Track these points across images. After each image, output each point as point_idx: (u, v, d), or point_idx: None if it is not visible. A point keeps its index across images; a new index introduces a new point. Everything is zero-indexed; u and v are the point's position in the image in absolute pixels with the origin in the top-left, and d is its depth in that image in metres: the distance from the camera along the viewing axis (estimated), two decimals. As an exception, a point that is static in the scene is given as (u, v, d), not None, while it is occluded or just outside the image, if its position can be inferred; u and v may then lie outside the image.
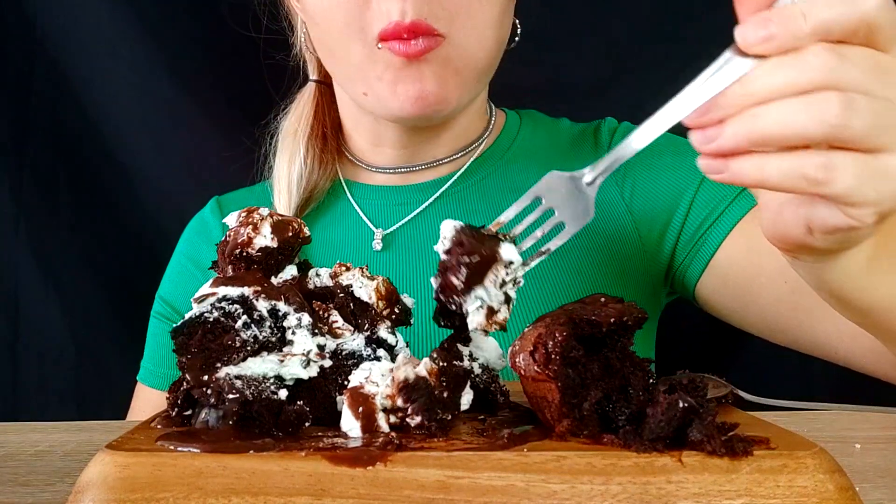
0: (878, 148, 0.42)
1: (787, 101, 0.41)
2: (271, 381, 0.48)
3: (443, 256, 0.48)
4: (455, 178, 0.93)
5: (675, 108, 0.43)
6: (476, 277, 0.47)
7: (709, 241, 0.82)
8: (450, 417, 0.46)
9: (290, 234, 0.53)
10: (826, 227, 0.46)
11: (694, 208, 0.84)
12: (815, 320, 0.75)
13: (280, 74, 1.02)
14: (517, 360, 0.46)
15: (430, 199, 0.92)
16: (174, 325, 0.47)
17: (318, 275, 0.55)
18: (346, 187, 0.96)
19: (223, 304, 0.48)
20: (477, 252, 0.47)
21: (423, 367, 0.47)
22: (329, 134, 0.96)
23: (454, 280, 0.47)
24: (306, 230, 0.54)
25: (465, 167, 0.93)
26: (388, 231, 0.91)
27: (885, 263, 0.53)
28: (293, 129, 0.95)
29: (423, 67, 0.77)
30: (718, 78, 0.42)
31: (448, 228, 0.48)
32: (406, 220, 0.92)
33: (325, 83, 0.98)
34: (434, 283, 0.50)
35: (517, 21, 0.89)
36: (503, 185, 0.93)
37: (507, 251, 0.47)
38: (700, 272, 0.83)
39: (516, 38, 0.88)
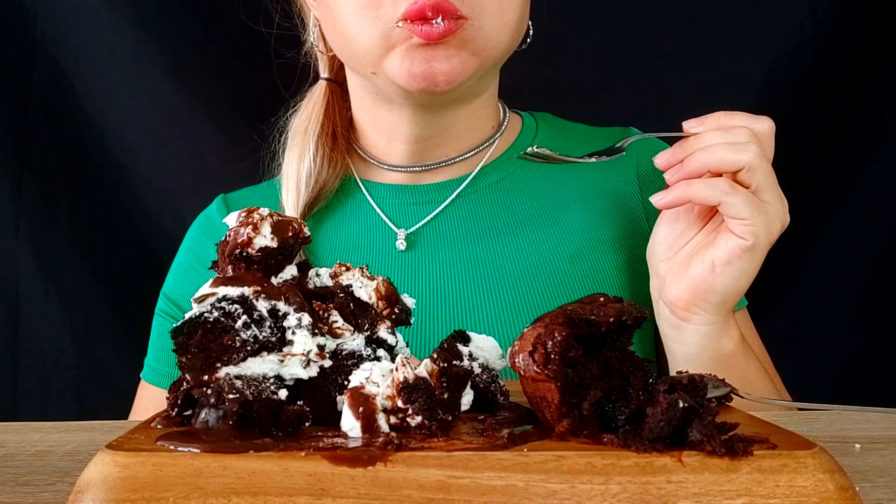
0: (760, 189, 0.67)
1: (718, 146, 0.67)
2: (271, 381, 0.48)
3: None
4: (471, 177, 0.92)
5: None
6: None
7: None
8: (450, 418, 0.46)
9: (290, 234, 0.53)
10: (725, 254, 0.68)
11: None
12: None
13: (289, 72, 1.02)
14: (517, 360, 0.46)
15: (449, 199, 0.92)
16: (174, 326, 0.47)
17: (318, 275, 0.55)
18: (361, 185, 0.96)
19: (223, 304, 0.48)
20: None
21: (424, 368, 0.47)
22: (339, 132, 0.96)
23: None
24: (306, 230, 0.54)
25: (481, 168, 0.93)
26: (411, 230, 0.91)
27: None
28: (303, 126, 0.95)
29: (437, 49, 0.76)
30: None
31: None
32: (427, 219, 0.91)
33: (336, 81, 0.98)
34: None
35: (530, 23, 0.88)
36: (521, 188, 0.93)
37: None
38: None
39: (528, 40, 0.88)
